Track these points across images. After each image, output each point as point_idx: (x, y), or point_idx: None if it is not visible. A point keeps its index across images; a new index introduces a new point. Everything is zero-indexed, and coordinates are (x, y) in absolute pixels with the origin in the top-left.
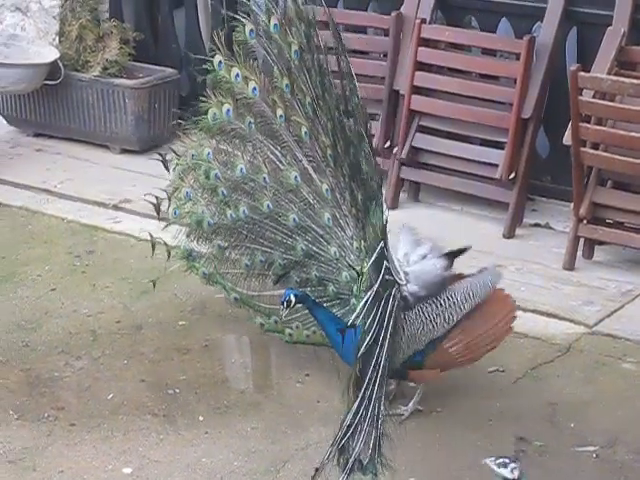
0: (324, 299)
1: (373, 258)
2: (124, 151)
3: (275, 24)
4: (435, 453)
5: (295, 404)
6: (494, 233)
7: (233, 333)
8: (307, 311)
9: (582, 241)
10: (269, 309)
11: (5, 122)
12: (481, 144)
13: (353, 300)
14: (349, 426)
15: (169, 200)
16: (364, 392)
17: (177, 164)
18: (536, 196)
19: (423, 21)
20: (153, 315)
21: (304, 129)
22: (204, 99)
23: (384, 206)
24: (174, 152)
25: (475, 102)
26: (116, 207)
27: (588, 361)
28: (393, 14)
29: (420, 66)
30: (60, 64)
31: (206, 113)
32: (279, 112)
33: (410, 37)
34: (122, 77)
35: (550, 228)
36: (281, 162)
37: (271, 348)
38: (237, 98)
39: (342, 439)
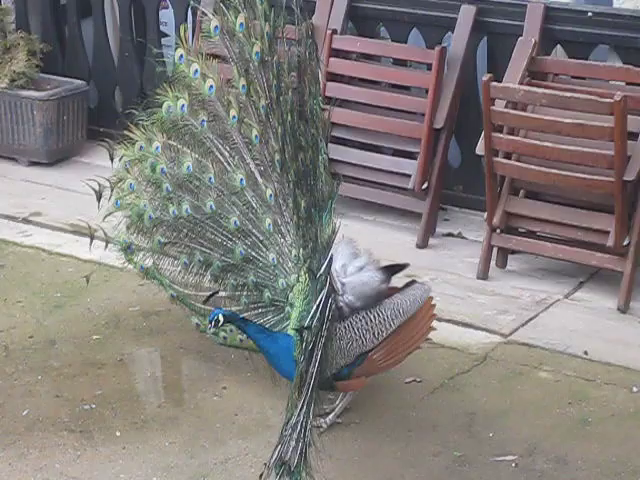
0: (259, 304)
1: (325, 263)
2: (33, 164)
3: (241, 23)
4: (355, 465)
5: (213, 418)
6: (407, 243)
7: (148, 347)
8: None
9: (495, 250)
10: (205, 310)
11: None
12: (393, 154)
13: (288, 308)
14: (287, 430)
15: (111, 190)
16: (302, 398)
17: (124, 154)
18: (448, 206)
19: (334, 32)
20: (66, 329)
21: (255, 132)
22: (160, 91)
23: (332, 214)
24: (123, 142)
25: (387, 112)
26: (26, 220)
27: (504, 370)
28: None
29: (332, 77)
30: None
31: (161, 106)
32: (232, 113)
33: (322, 48)
34: (30, 89)
35: (463, 237)
36: (228, 163)
37: (187, 361)
38: (193, 94)
39: (283, 442)
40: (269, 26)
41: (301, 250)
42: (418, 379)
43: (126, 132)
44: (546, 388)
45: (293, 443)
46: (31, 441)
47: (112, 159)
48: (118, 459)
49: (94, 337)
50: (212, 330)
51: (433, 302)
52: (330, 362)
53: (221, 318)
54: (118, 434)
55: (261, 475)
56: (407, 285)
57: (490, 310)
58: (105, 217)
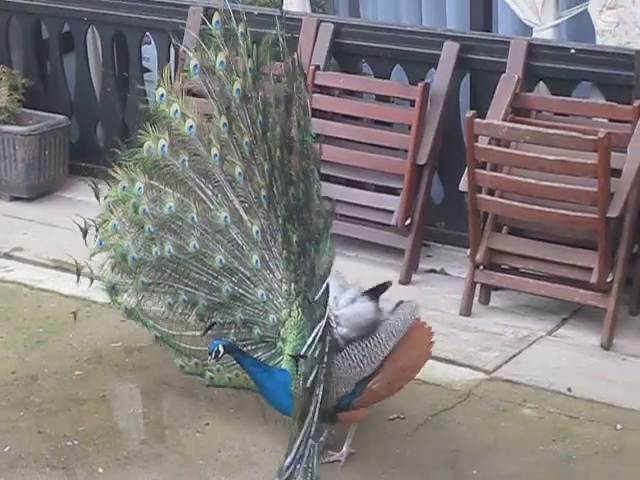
0: (248, 342)
1: (320, 293)
2: (14, 198)
3: (222, 61)
4: None
5: (196, 454)
6: (390, 279)
7: (131, 383)
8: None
9: (479, 287)
10: (190, 350)
11: None
12: (376, 190)
13: (280, 343)
14: (291, 465)
15: (96, 230)
16: (304, 431)
17: (107, 195)
18: (431, 242)
19: (317, 68)
20: (49, 365)
21: (238, 169)
22: (142, 131)
23: (329, 242)
24: (108, 181)
25: (370, 148)
26: (7, 255)
27: (488, 407)
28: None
29: (314, 113)
30: None
31: (142, 146)
32: (214, 151)
33: None
34: (12, 124)
35: (446, 274)
36: (211, 202)
37: (170, 398)
38: (173, 134)
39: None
40: (252, 62)
41: (292, 285)
42: (402, 416)
43: (110, 171)
44: (530, 425)
45: (300, 476)
46: (13, 478)
47: (97, 197)
48: None
49: (76, 373)
50: (212, 362)
51: (427, 326)
52: (331, 393)
53: (221, 349)
54: (101, 471)
55: None
56: (396, 305)
57: (473, 347)
58: (91, 256)
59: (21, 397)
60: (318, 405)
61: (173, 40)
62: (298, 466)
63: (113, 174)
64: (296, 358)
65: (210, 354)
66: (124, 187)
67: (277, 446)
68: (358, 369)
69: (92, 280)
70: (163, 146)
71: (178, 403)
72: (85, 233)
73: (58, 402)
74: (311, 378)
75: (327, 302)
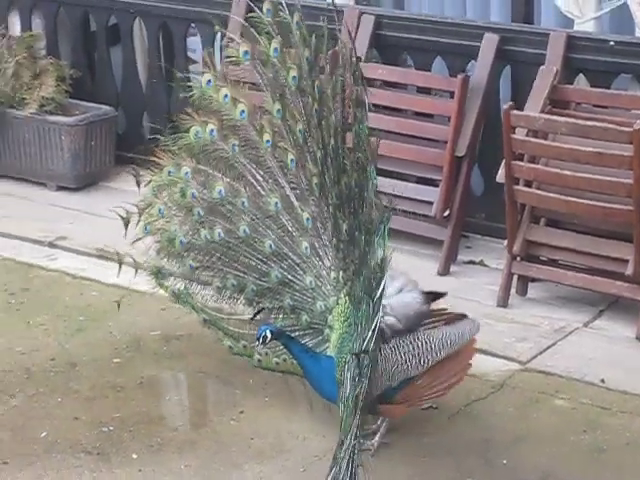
0: (296, 328)
1: (381, 288)
2: (61, 188)
3: (275, 48)
4: None
5: (229, 441)
6: (429, 270)
7: (168, 370)
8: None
9: (516, 278)
10: (238, 333)
11: None
12: (416, 182)
13: (327, 330)
14: (342, 452)
15: (139, 215)
16: (356, 420)
17: (152, 180)
18: (470, 233)
19: (358, 59)
20: (88, 353)
21: (291, 156)
22: (186, 116)
23: (386, 238)
24: (150, 167)
25: (410, 140)
26: (52, 244)
27: (521, 398)
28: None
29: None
30: None
31: (187, 131)
32: (266, 137)
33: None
34: (58, 114)
35: (484, 265)
36: (262, 187)
37: (206, 386)
38: (223, 119)
39: (337, 464)
40: (309, 51)
41: (341, 273)
42: (435, 406)
43: (153, 158)
44: (562, 416)
45: (344, 465)
46: (49, 463)
47: (139, 185)
48: None
49: (115, 360)
50: (259, 347)
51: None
52: (376, 383)
53: (269, 334)
54: (135, 456)
55: None
56: (458, 318)
57: (509, 338)
58: (134, 242)
59: (59, 384)
60: (364, 393)
61: (217, 26)
62: (346, 454)
63: (157, 160)
64: (358, 356)
65: (257, 339)
66: (170, 172)
67: (310, 434)
68: (405, 366)
69: (136, 270)
70: (212, 130)
71: (214, 391)
72: (127, 222)
73: (96, 389)
74: (366, 369)
75: (382, 298)
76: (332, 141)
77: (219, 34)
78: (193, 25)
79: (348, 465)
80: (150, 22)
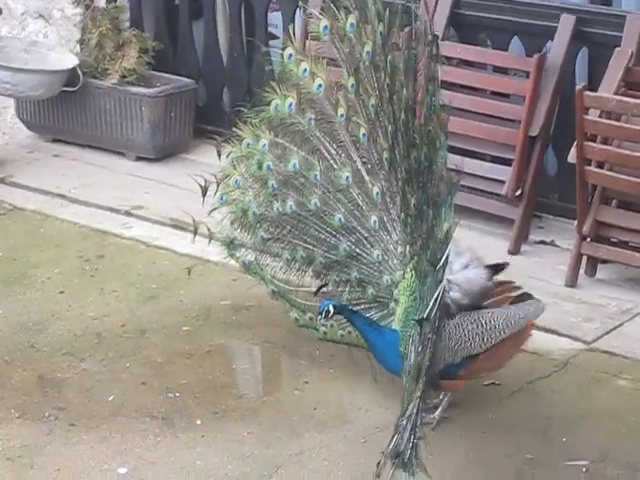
0: (362, 301)
1: (444, 257)
2: (139, 158)
3: (352, 23)
4: (426, 462)
5: (292, 411)
6: (499, 249)
7: (236, 340)
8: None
9: (585, 259)
10: (305, 305)
11: (25, 127)
12: (490, 161)
13: (392, 304)
14: (403, 420)
15: (217, 185)
16: (419, 390)
17: (231, 151)
18: (543, 214)
19: (435, 36)
20: (158, 320)
21: (363, 131)
22: (268, 90)
23: (452, 209)
24: (231, 138)
25: (485, 119)
26: (128, 213)
27: (584, 377)
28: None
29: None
30: (79, 71)
31: (269, 104)
32: (340, 111)
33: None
34: (140, 85)
35: (555, 245)
36: (335, 161)
37: (272, 356)
38: (301, 93)
39: (399, 432)
40: (383, 26)
41: (408, 247)
42: (497, 382)
43: (234, 129)
44: (623, 396)
45: (407, 435)
46: (114, 425)
47: (220, 155)
48: (196, 446)
49: (184, 328)
50: (322, 321)
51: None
52: (439, 359)
53: (331, 309)
54: (199, 422)
55: (378, 463)
56: (522, 297)
57: (575, 317)
58: (211, 212)
59: (129, 349)
60: (427, 367)
61: (300, 1)
62: (408, 424)
63: (237, 131)
64: (419, 322)
65: (320, 314)
66: (248, 144)
67: (372, 405)
68: (468, 344)
69: (210, 239)
70: (291, 104)
71: (280, 361)
72: (205, 191)
73: (164, 356)
74: (428, 338)
75: (445, 267)
76: (403, 115)
77: (300, 9)
78: (274, 0)
79: (410, 436)
80: None
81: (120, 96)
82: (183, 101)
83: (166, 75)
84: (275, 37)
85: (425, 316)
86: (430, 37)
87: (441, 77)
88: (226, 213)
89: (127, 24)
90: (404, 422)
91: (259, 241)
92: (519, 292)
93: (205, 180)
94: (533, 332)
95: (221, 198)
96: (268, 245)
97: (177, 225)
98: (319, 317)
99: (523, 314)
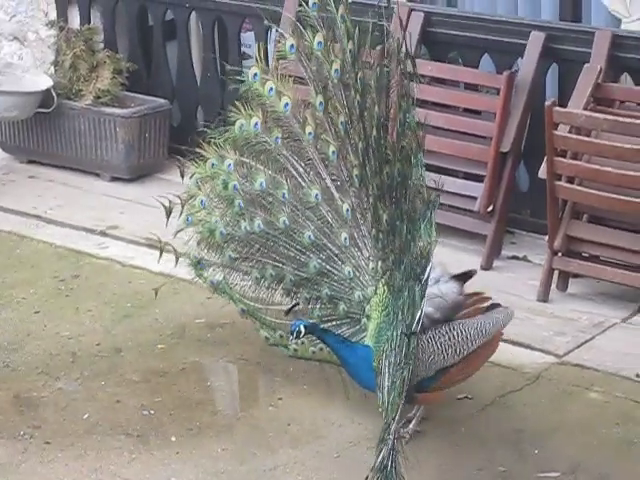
0: (333, 317)
1: (428, 271)
2: (114, 179)
3: (320, 41)
4: None
5: (266, 427)
6: (472, 264)
7: (210, 357)
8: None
9: (557, 273)
10: (275, 323)
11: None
12: (462, 177)
13: (364, 320)
14: (389, 435)
15: (182, 206)
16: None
17: (195, 172)
18: (516, 229)
19: (407, 54)
20: (133, 338)
21: (332, 148)
22: (233, 110)
23: (433, 224)
24: (195, 159)
25: (457, 136)
26: (103, 233)
27: (556, 390)
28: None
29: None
30: (53, 92)
31: (233, 124)
32: (308, 129)
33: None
34: (114, 106)
35: (528, 261)
36: (303, 179)
37: (246, 372)
38: (267, 111)
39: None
40: (353, 44)
41: (380, 263)
42: (470, 396)
43: (198, 150)
44: (594, 408)
45: (392, 450)
46: (89, 443)
47: (182, 176)
48: (171, 463)
49: (159, 346)
50: (293, 341)
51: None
52: (414, 372)
53: (302, 329)
54: (173, 439)
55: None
56: (491, 307)
57: (547, 331)
58: (176, 233)
59: (104, 368)
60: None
61: (266, 21)
62: (392, 439)
63: (201, 152)
64: (408, 336)
65: (291, 333)
66: (213, 164)
67: (345, 421)
68: (441, 357)
69: (177, 258)
70: (256, 123)
71: (254, 378)
72: (169, 212)
73: (139, 374)
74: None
75: (427, 282)
76: (374, 132)
77: (272, 29)
78: (247, 20)
79: (392, 449)
80: (205, 16)
81: (94, 117)
82: (157, 121)
83: (140, 96)
84: (249, 57)
85: (413, 331)
86: (404, 54)
87: (415, 95)
88: (193, 233)
89: (101, 45)
90: (390, 437)
91: (227, 260)
92: (489, 303)
93: (169, 201)
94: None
95: (187, 219)
96: (236, 264)
97: (152, 245)
98: (290, 337)
99: (493, 322)
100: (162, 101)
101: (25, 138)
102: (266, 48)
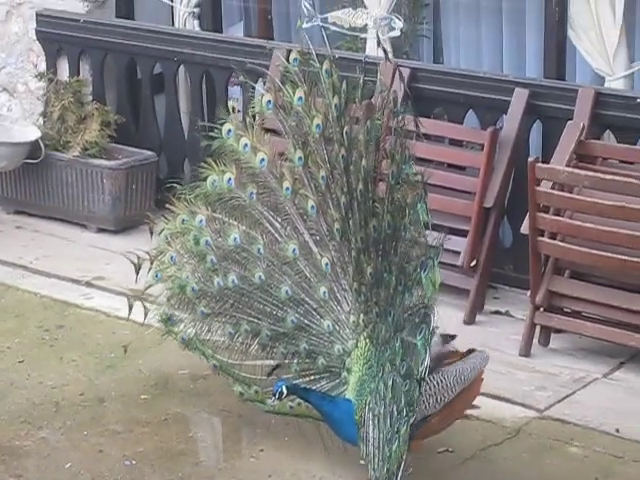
0: (312, 372)
1: (433, 319)
2: (101, 230)
3: (300, 97)
4: None
5: (247, 478)
6: (455, 319)
7: (193, 408)
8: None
9: (538, 328)
10: (250, 379)
11: None
12: (446, 232)
13: (344, 373)
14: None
15: (151, 263)
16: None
17: (164, 228)
18: (499, 284)
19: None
20: (116, 389)
21: (311, 203)
22: (203, 166)
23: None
24: (163, 216)
25: (441, 191)
26: (89, 284)
27: (536, 444)
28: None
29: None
30: (41, 143)
31: (204, 180)
32: (286, 185)
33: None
34: (102, 158)
35: (510, 316)
36: (280, 234)
37: (228, 424)
38: (242, 167)
39: None
40: (339, 98)
41: (362, 316)
42: (450, 449)
43: (167, 206)
44: (575, 463)
45: None
46: None
47: (151, 233)
48: None
49: (142, 397)
50: (275, 403)
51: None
52: None
53: (285, 390)
54: None
55: None
56: (468, 352)
57: (528, 386)
58: (145, 289)
59: (87, 418)
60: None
61: (241, 77)
62: None
63: (171, 208)
64: (419, 383)
65: (274, 395)
66: (183, 220)
67: (326, 473)
68: (423, 406)
69: (146, 314)
70: (229, 179)
71: (236, 429)
72: (139, 268)
73: (121, 424)
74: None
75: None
76: (361, 185)
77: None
78: (235, 74)
79: None
80: (193, 70)
81: (82, 168)
82: (144, 174)
83: (128, 148)
84: (238, 110)
85: (422, 377)
86: (396, 109)
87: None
88: (163, 289)
89: (89, 98)
90: None
91: (199, 316)
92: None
93: (138, 257)
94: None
95: (156, 275)
96: (209, 320)
97: (137, 296)
98: (273, 399)
99: (470, 368)
100: (149, 153)
101: (12, 189)
102: (233, 106)
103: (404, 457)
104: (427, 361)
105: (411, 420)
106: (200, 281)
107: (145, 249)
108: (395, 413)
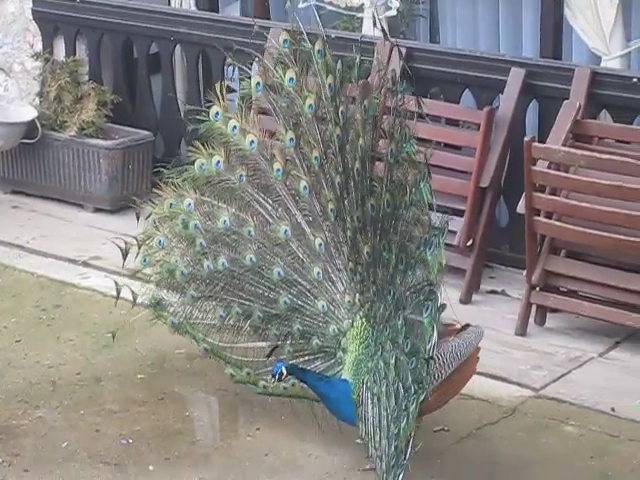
0: (306, 352)
1: (440, 298)
2: (97, 210)
3: (291, 77)
4: None
5: (243, 457)
6: (451, 298)
7: (189, 387)
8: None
9: (534, 308)
10: (241, 361)
11: None
12: (442, 212)
13: (340, 353)
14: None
15: (139, 247)
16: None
17: (152, 212)
18: (495, 264)
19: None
20: (113, 368)
21: (303, 183)
22: (192, 149)
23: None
24: (151, 201)
25: (437, 170)
26: (85, 264)
27: (532, 423)
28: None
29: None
30: (38, 123)
31: (192, 164)
32: (276, 166)
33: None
34: (98, 138)
35: (506, 295)
36: (271, 215)
37: (225, 403)
38: (231, 150)
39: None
40: (333, 78)
41: (357, 295)
42: (446, 428)
43: (154, 190)
44: (569, 442)
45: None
46: (67, 472)
47: (138, 217)
48: None
49: (139, 376)
50: (275, 383)
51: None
52: None
53: (284, 371)
54: (151, 468)
55: None
56: (463, 328)
57: (524, 365)
58: (134, 274)
59: (83, 397)
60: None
61: (230, 57)
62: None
63: (158, 192)
64: (428, 361)
65: (273, 376)
66: (171, 204)
67: (322, 452)
68: None
69: (135, 299)
70: (218, 162)
71: (232, 408)
72: (126, 253)
73: (118, 403)
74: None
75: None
76: (358, 164)
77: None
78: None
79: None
80: (190, 50)
81: (78, 148)
82: (141, 153)
83: (124, 128)
84: (233, 90)
85: (431, 355)
86: (395, 88)
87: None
88: (151, 274)
89: (86, 77)
90: (406, 462)
91: (189, 300)
92: (459, 326)
93: (125, 242)
94: (476, 355)
95: (144, 260)
96: (199, 303)
97: (133, 276)
98: (272, 379)
99: (466, 343)
100: (145, 133)
101: (9, 169)
102: (228, 86)
103: (412, 434)
104: (435, 338)
105: (421, 397)
106: (189, 265)
107: (139, 230)
108: (402, 391)
